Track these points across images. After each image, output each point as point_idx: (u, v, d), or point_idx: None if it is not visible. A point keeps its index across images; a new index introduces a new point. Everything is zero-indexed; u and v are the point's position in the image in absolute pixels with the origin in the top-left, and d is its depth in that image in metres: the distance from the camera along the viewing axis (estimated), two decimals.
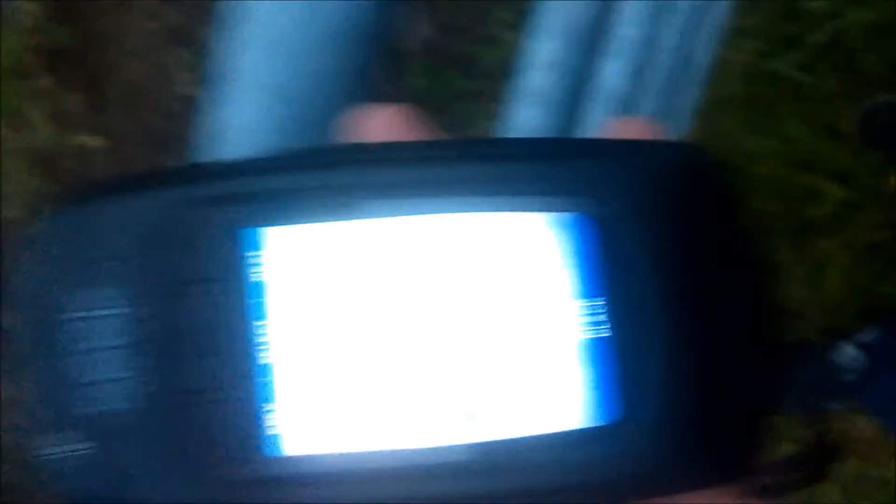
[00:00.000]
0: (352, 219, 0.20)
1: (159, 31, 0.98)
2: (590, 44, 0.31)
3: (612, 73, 0.35)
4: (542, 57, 0.30)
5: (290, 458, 0.20)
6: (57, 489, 0.21)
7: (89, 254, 0.20)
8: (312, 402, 0.20)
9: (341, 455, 0.20)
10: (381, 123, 0.21)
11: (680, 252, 0.20)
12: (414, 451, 0.20)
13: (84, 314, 0.20)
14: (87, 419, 0.20)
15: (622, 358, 0.20)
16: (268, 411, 0.20)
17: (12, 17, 0.99)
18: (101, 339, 0.20)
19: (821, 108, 0.68)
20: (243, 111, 0.22)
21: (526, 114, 0.31)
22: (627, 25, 0.34)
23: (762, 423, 0.20)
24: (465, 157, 0.20)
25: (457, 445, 0.19)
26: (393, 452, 0.20)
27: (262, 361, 0.20)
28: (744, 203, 0.21)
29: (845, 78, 0.67)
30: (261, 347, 0.20)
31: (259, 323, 0.20)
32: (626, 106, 0.39)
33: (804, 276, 0.75)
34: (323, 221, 0.20)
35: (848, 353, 0.74)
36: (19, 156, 1.00)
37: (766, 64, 0.70)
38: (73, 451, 0.20)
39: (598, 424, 0.20)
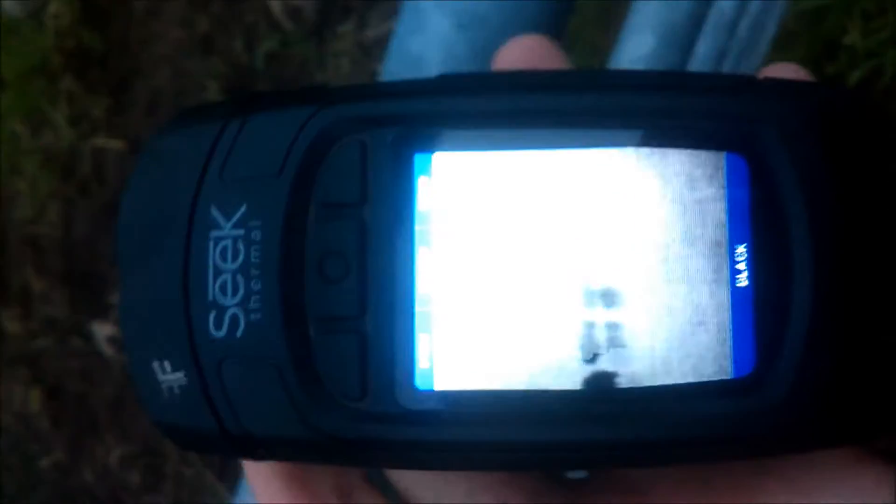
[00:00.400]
0: (523, 149, 0.19)
1: (188, 38, 0.99)
2: (682, 43, 0.32)
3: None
4: (633, 52, 0.31)
5: (440, 393, 0.19)
6: (162, 424, 0.19)
7: (232, 168, 0.19)
8: (466, 337, 0.19)
9: (491, 392, 0.19)
10: (523, 51, 0.21)
11: (834, 200, 0.18)
12: (558, 393, 0.19)
13: (220, 233, 0.19)
14: (215, 344, 0.19)
15: (759, 310, 0.19)
16: (422, 343, 0.19)
17: (43, 18, 0.99)
18: (239, 259, 0.19)
19: None
20: (434, 39, 0.22)
21: None
22: (704, 39, 0.34)
23: None
24: (619, 89, 0.19)
25: (589, 391, 0.19)
26: (539, 393, 0.19)
27: (422, 291, 0.19)
28: None
29: None
30: (420, 275, 0.19)
31: (423, 250, 0.19)
32: None
33: None
34: (491, 150, 0.19)
35: None
36: (35, 155, 0.99)
37: None
38: (185, 382, 0.19)
39: (726, 378, 0.19)
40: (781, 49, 0.70)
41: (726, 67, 0.39)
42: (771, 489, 0.20)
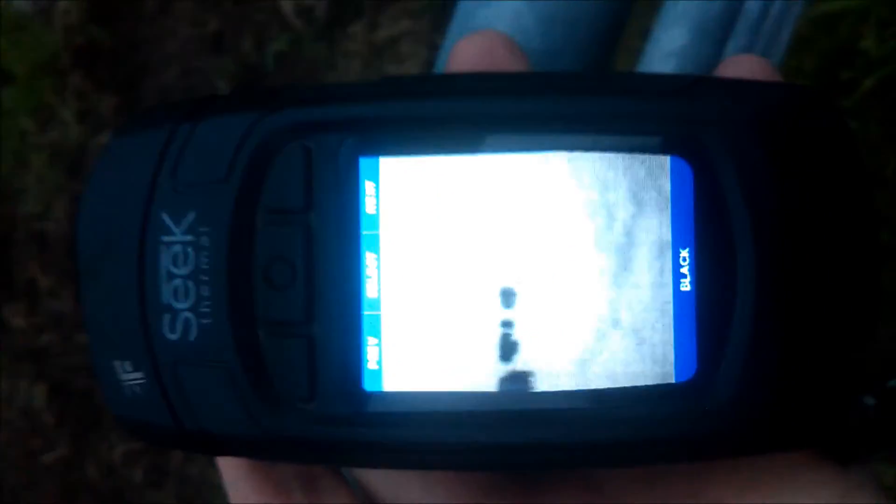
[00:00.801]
0: (468, 153, 0.19)
1: (198, 37, 0.99)
2: (714, 38, 0.32)
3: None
4: (667, 46, 0.30)
5: (388, 394, 0.19)
6: (123, 420, 0.20)
7: (181, 174, 0.20)
8: (413, 339, 0.19)
9: (439, 394, 0.19)
10: (479, 49, 0.20)
11: (777, 203, 0.18)
12: (504, 395, 0.19)
13: (171, 238, 0.20)
14: (169, 347, 0.19)
15: (701, 314, 0.19)
16: (370, 346, 0.19)
17: (52, 14, 0.99)
18: (189, 264, 0.19)
19: (866, 154, 0.69)
20: (502, 11, 0.21)
21: None
22: (735, 36, 0.34)
23: (846, 392, 0.19)
24: (562, 91, 0.19)
25: (535, 393, 0.19)
26: (485, 395, 0.19)
27: (370, 295, 0.19)
28: (861, 157, 0.19)
29: (892, 127, 0.68)
30: (367, 280, 0.19)
31: (370, 255, 0.19)
32: None
33: None
34: (436, 154, 0.19)
35: None
36: (43, 151, 1.00)
37: None
38: (143, 380, 0.19)
39: (669, 381, 0.19)
40: (796, 53, 0.70)
41: None
42: (726, 487, 0.20)
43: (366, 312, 0.19)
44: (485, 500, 0.22)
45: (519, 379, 0.19)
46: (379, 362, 0.19)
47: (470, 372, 0.19)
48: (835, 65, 0.67)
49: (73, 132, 1.00)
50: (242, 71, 0.98)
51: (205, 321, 0.19)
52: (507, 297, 0.19)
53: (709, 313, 0.19)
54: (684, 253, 0.19)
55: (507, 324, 0.19)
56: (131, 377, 0.20)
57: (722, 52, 0.33)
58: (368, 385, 0.19)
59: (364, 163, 0.19)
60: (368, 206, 0.19)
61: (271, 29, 0.96)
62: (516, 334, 0.19)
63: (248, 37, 0.97)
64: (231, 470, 0.21)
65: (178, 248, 0.20)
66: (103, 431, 0.96)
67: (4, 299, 1.00)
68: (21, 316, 1.00)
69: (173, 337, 0.19)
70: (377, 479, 0.22)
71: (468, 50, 0.20)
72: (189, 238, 0.19)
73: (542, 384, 0.19)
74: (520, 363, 0.19)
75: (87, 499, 0.95)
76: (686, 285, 0.19)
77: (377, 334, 0.19)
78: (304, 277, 0.19)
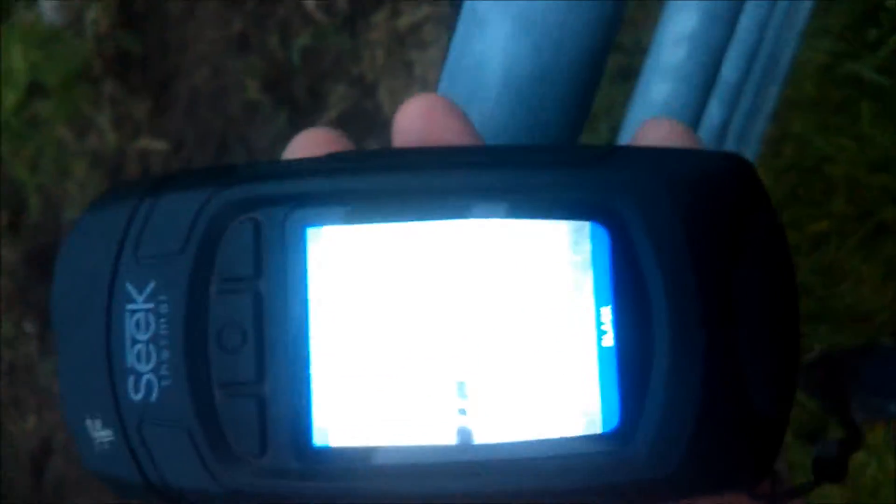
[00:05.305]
0: (404, 221, 0.21)
1: (223, 38, 1.00)
2: (725, 21, 0.32)
3: (729, 60, 0.36)
4: (677, 30, 0.31)
5: (336, 449, 0.21)
6: (97, 473, 0.21)
7: (143, 247, 0.21)
8: (358, 398, 0.21)
9: (381, 448, 0.21)
10: (421, 112, 0.22)
11: (692, 263, 0.20)
12: (439, 448, 0.21)
13: (134, 306, 0.21)
14: (134, 406, 0.21)
15: (623, 368, 0.20)
16: (316, 404, 0.21)
17: (83, 24, 1.01)
18: (150, 330, 0.21)
19: None
20: (495, 44, 0.22)
21: (658, 89, 0.32)
22: (748, 12, 0.35)
23: (774, 432, 0.20)
24: (490, 165, 0.21)
25: (470, 445, 0.20)
26: (422, 448, 0.21)
27: (314, 356, 0.21)
28: (775, 217, 0.20)
29: None
30: (314, 342, 0.21)
31: (316, 318, 0.21)
32: (733, 96, 0.39)
33: (874, 278, 0.75)
34: (373, 223, 0.21)
35: None
36: (83, 159, 1.02)
37: (843, 65, 0.70)
38: (113, 438, 0.21)
39: (594, 432, 0.20)
40: (824, 14, 0.69)
41: (769, 37, 0.40)
42: None
43: (313, 372, 0.21)
44: None
45: (461, 433, 0.21)
46: (326, 419, 0.21)
47: (411, 427, 0.21)
48: (862, 23, 0.66)
49: (111, 138, 1.02)
50: (271, 68, 0.99)
51: (164, 383, 0.21)
52: (440, 357, 0.21)
53: (629, 367, 0.20)
54: (606, 311, 0.20)
55: (447, 383, 0.21)
56: (102, 434, 0.21)
57: (732, 35, 0.33)
58: (317, 440, 0.21)
59: (309, 232, 0.21)
60: (314, 272, 0.21)
61: (295, 24, 0.97)
62: (457, 393, 0.21)
63: (273, 34, 0.98)
64: None
65: (140, 314, 0.21)
66: None
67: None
68: None
69: (137, 398, 0.21)
70: None
71: (410, 113, 0.22)
72: (150, 306, 0.21)
73: (475, 437, 0.21)
74: (451, 419, 0.21)
75: None
76: (608, 341, 0.20)
77: (324, 393, 0.21)
78: (254, 341, 0.21)
